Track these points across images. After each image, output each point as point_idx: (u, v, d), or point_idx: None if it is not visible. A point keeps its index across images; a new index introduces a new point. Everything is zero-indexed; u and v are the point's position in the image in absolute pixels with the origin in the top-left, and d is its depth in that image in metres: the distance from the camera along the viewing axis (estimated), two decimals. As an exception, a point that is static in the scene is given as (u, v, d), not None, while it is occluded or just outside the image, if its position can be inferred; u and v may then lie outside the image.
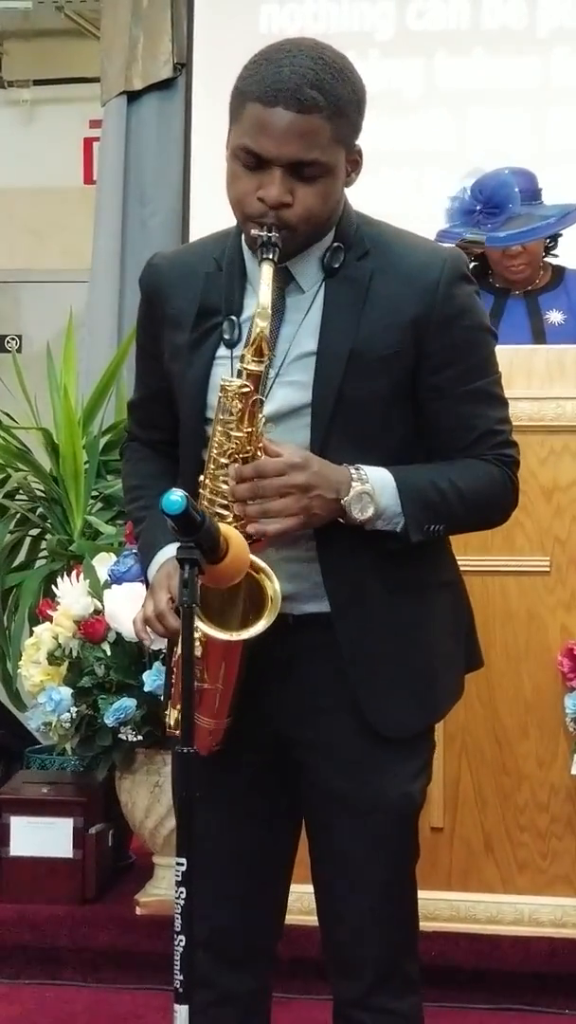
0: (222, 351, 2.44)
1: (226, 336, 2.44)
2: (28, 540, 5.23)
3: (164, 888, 4.03)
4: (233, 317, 2.44)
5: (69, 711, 4.04)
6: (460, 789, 3.88)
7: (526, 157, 6.01)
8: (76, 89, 7.23)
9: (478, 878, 3.89)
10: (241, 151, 2.32)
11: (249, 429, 2.32)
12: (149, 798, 4.04)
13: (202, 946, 2.32)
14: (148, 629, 2.46)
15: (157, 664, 3.88)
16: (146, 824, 4.10)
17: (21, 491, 5.20)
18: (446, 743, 3.84)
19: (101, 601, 4.10)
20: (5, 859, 4.21)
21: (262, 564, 2.34)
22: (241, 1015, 2.60)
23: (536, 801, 3.85)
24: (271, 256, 2.30)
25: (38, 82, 7.41)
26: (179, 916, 2.16)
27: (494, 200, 4.49)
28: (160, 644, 3.16)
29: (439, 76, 6.23)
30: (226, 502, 2.35)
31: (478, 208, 4.51)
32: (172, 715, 2.45)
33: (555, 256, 4.76)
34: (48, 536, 5.13)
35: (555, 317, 4.58)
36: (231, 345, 2.43)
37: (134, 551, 3.85)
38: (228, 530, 2.28)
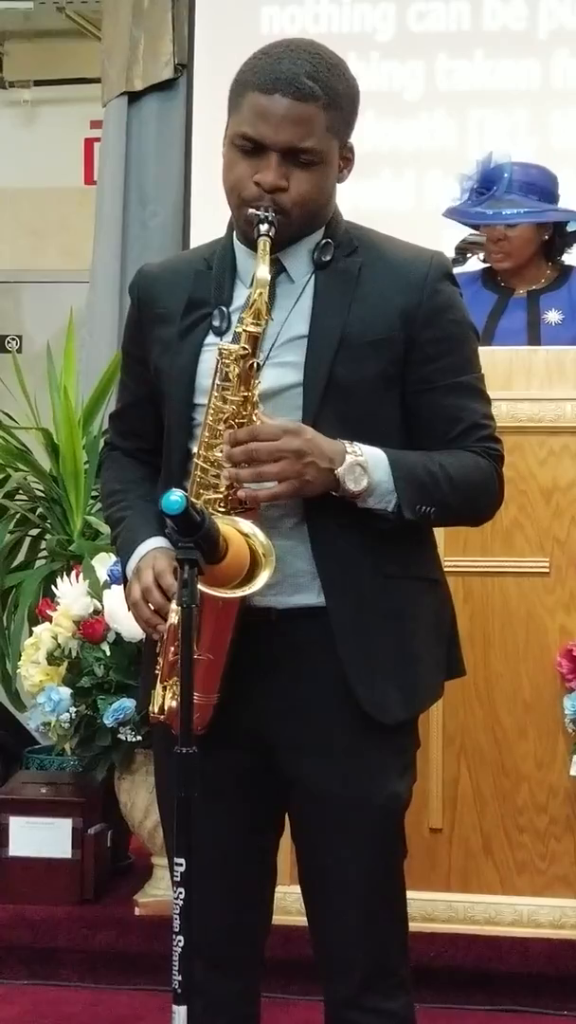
0: (211, 339, 2.48)
1: (215, 323, 2.48)
2: (28, 540, 5.24)
3: (163, 889, 4.03)
4: (223, 307, 2.49)
5: (68, 711, 4.04)
6: (459, 790, 3.88)
7: (527, 159, 6.03)
8: (77, 90, 7.24)
9: (477, 879, 3.88)
10: (239, 137, 2.40)
11: (245, 394, 2.36)
12: (148, 798, 4.04)
13: None
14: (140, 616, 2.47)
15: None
16: (145, 825, 4.10)
17: (21, 491, 5.20)
18: (445, 744, 3.84)
19: (101, 601, 4.10)
20: (4, 859, 4.21)
21: (247, 527, 2.34)
22: (230, 1019, 2.59)
23: (535, 802, 3.85)
24: (267, 232, 2.36)
25: (39, 82, 7.42)
26: (178, 917, 2.16)
27: (485, 181, 4.53)
28: None
29: (440, 78, 6.24)
30: (219, 471, 2.38)
31: (473, 188, 4.55)
32: (157, 698, 2.42)
33: (569, 253, 4.75)
34: (48, 536, 5.13)
35: (553, 316, 4.59)
36: (220, 333, 2.47)
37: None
38: (227, 530, 2.28)
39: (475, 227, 4.69)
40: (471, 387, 2.53)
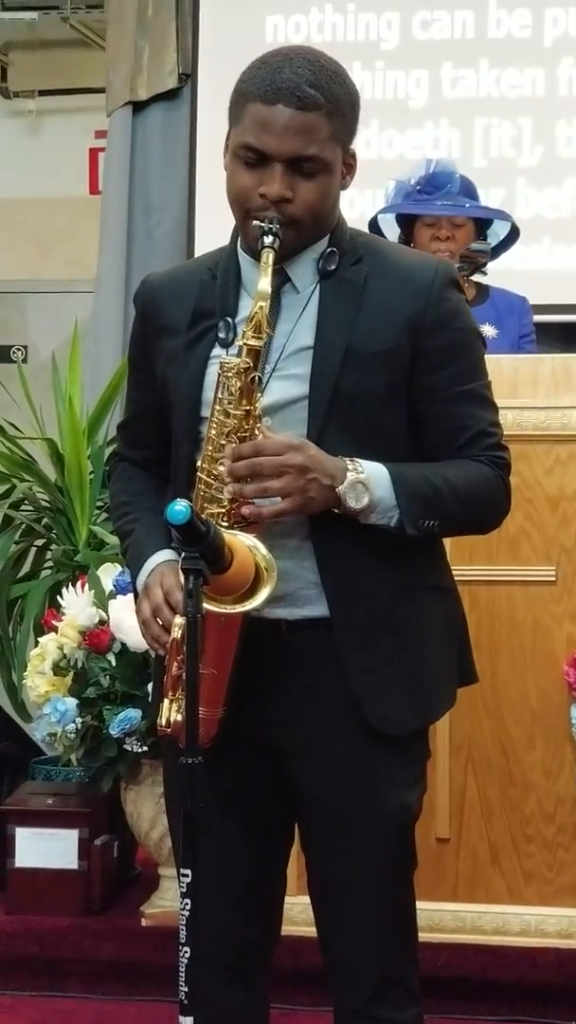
0: (217, 351, 2.47)
1: (221, 335, 2.48)
2: (33, 550, 5.22)
3: (170, 900, 4.02)
4: (228, 318, 2.48)
5: (74, 722, 4.03)
6: (466, 799, 3.87)
7: (532, 166, 6.04)
8: (81, 99, 7.25)
9: (484, 889, 3.87)
10: (242, 149, 2.39)
11: (248, 407, 2.35)
12: (155, 809, 4.03)
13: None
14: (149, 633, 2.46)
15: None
16: (151, 835, 4.09)
17: (26, 501, 5.19)
18: (452, 753, 3.83)
19: (106, 611, 4.10)
20: (10, 870, 4.20)
21: (248, 540, 2.34)
22: None
23: (542, 812, 3.84)
24: (272, 244, 2.35)
25: (43, 92, 7.43)
26: (184, 927, 2.16)
27: (434, 181, 4.55)
28: None
29: (445, 86, 6.25)
30: (222, 485, 2.37)
31: (418, 188, 4.56)
32: (164, 710, 2.41)
33: (483, 273, 4.75)
34: (53, 546, 5.12)
35: (488, 331, 4.60)
36: (226, 345, 2.46)
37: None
38: (232, 539, 2.28)
39: (411, 223, 4.63)
40: (478, 395, 2.52)
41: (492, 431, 2.52)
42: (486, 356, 2.59)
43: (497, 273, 4.77)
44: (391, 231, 4.66)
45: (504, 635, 3.84)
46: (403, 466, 2.43)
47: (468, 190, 4.62)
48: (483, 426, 2.51)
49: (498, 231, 4.66)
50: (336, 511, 2.38)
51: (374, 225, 4.64)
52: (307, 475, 2.34)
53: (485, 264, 4.65)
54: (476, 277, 4.70)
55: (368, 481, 2.38)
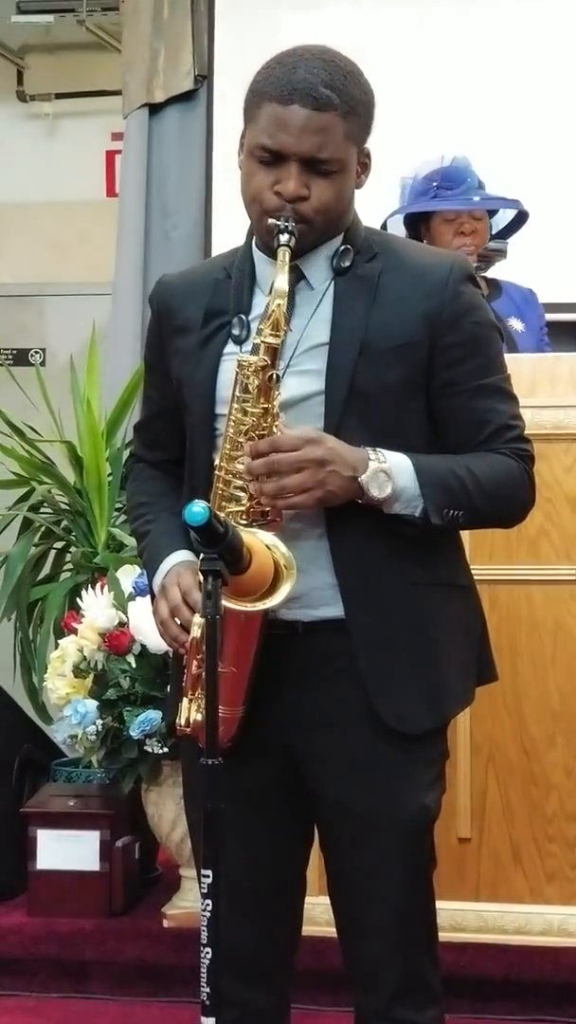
0: (230, 348, 2.48)
1: (235, 332, 2.48)
2: (53, 553, 5.23)
3: (191, 901, 4.02)
4: (242, 316, 2.48)
5: (95, 724, 4.04)
6: (488, 799, 3.86)
7: (550, 162, 6.02)
8: (98, 102, 7.24)
9: (506, 888, 3.87)
10: (258, 148, 2.40)
11: (266, 405, 2.35)
12: (175, 810, 4.03)
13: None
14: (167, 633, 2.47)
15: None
16: (172, 837, 4.10)
17: (45, 504, 5.19)
18: (473, 753, 3.83)
19: (126, 613, 4.10)
20: (32, 872, 4.21)
21: (268, 539, 2.34)
22: None
23: (564, 811, 3.83)
24: (288, 242, 2.35)
25: (60, 96, 7.42)
26: (205, 928, 2.15)
27: (454, 176, 4.53)
28: None
29: (461, 82, 6.23)
30: (242, 483, 2.37)
31: (434, 185, 4.54)
32: (183, 710, 2.41)
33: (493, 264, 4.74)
34: (72, 549, 5.12)
35: (516, 324, 4.59)
36: (239, 342, 2.47)
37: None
38: (251, 540, 2.28)
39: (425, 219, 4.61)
40: (497, 388, 2.52)
41: (514, 424, 2.52)
42: (513, 354, 2.58)
43: (514, 270, 4.76)
44: (398, 232, 4.65)
45: (524, 635, 3.84)
46: (426, 456, 2.43)
47: (481, 183, 4.61)
48: (504, 420, 2.50)
49: (498, 221, 4.66)
50: (359, 502, 2.38)
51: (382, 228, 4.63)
52: (326, 467, 2.34)
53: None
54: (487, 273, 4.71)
55: (391, 470, 2.38)
